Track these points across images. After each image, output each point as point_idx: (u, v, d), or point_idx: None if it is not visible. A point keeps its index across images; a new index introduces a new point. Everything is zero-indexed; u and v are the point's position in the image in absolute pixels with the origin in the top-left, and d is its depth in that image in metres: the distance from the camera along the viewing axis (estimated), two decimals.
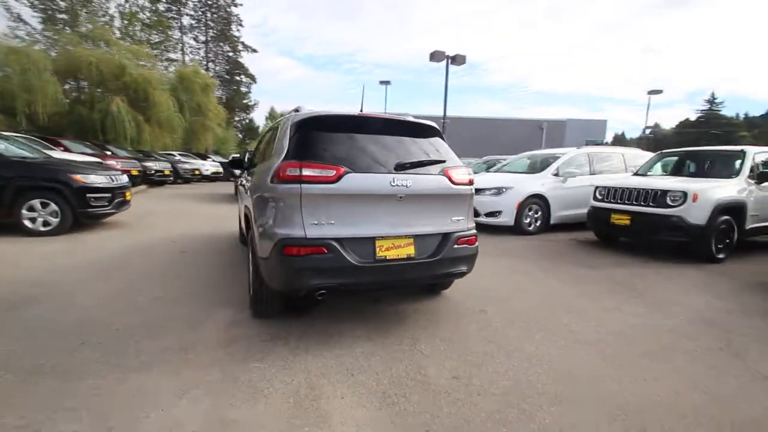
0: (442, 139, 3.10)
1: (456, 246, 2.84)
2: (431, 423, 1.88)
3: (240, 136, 44.97)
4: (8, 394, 2.00)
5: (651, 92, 32.22)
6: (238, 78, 40.67)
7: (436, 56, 18.72)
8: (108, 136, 16.59)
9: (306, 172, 2.43)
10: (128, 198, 6.78)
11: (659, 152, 7.30)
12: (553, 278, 4.39)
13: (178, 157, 18.66)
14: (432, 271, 2.80)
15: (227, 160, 22.69)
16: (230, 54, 39.67)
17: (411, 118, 3.02)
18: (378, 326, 2.96)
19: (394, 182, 2.60)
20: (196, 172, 18.42)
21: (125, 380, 2.15)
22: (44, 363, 2.29)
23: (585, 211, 6.95)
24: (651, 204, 5.52)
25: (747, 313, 3.42)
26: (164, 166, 15.17)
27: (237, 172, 5.58)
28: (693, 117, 76.63)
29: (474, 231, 3.01)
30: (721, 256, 5.31)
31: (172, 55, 30.92)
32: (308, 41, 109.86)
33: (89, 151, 11.84)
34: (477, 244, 3.01)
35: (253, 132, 47.78)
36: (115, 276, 3.97)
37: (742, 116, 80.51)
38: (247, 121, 48.15)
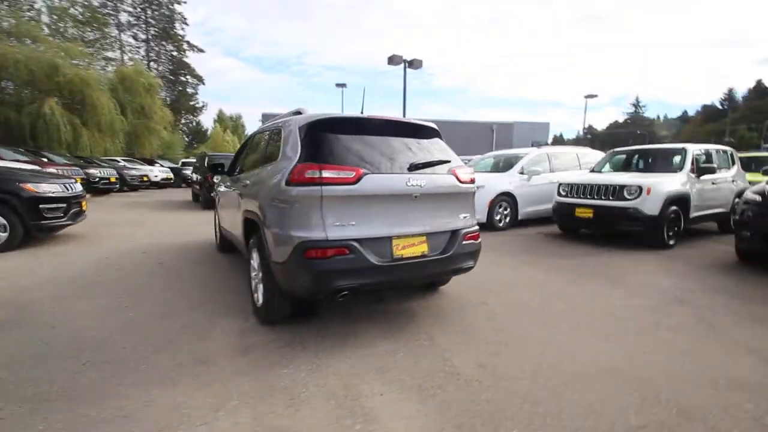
0: (441, 139, 3.22)
1: (464, 242, 2.96)
2: (475, 410, 1.97)
3: (187, 139, 42.62)
4: (20, 429, 1.81)
5: (587, 96, 34.89)
6: (183, 79, 38.52)
7: (394, 60, 19.01)
8: (39, 142, 15.07)
9: (326, 173, 2.43)
10: (84, 208, 6.24)
11: (611, 151, 7.98)
12: (537, 269, 4.67)
13: (122, 163, 17.34)
14: (444, 268, 2.90)
15: (177, 165, 21.58)
16: (174, 53, 37.50)
17: (415, 120, 3.10)
18: (389, 325, 3.00)
19: (409, 182, 2.67)
20: (145, 179, 17.22)
21: (151, 398, 2.02)
22: (48, 389, 2.09)
23: (548, 206, 7.46)
24: (611, 198, 6.05)
25: (708, 291, 3.88)
26: (109, 173, 14.03)
27: (217, 178, 5.34)
28: (621, 119, 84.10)
29: (477, 227, 3.15)
30: (671, 242, 5.93)
31: (110, 54, 28.68)
32: (254, 42, 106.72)
33: (23, 158, 10.69)
34: (480, 239, 3.16)
35: (201, 135, 45.48)
36: (96, 292, 3.67)
37: (662, 118, 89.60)
38: (194, 123, 45.79)
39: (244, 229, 3.29)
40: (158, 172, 18.58)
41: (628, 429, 1.84)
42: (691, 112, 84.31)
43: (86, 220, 6.72)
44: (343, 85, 30.88)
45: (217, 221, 5.42)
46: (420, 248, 2.75)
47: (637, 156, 7.66)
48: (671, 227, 5.94)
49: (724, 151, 7.33)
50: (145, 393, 2.07)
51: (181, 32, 37.50)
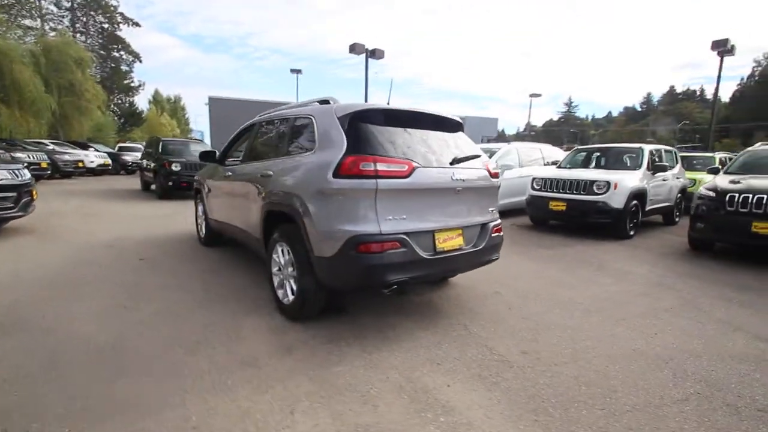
0: (464, 132, 3.28)
1: (492, 235, 3.06)
2: (540, 394, 2.07)
3: (119, 122, 38.74)
4: None
5: (532, 95, 37.00)
6: (117, 54, 34.81)
7: (356, 49, 18.78)
8: None
9: (381, 167, 2.38)
10: (35, 197, 5.49)
11: (575, 148, 8.58)
12: (526, 259, 4.94)
13: (51, 147, 15.40)
14: (476, 260, 2.97)
15: (113, 150, 19.84)
16: (105, 25, 33.68)
17: (446, 114, 3.12)
18: (420, 317, 3.03)
19: (454, 176, 2.69)
20: (80, 165, 15.45)
21: (212, 406, 1.88)
22: (85, 404, 1.86)
23: (519, 199, 7.88)
24: (582, 192, 6.53)
25: (680, 276, 4.36)
26: (40, 158, 12.42)
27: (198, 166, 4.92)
28: (555, 117, 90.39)
29: (500, 220, 3.27)
30: (631, 233, 6.55)
31: (28, 23, 25.06)
32: (192, 18, 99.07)
33: None
34: (502, 232, 3.28)
35: (135, 118, 41.54)
36: (84, 292, 3.28)
37: (590, 117, 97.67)
38: (127, 105, 41.71)
39: (263, 222, 3.11)
40: (94, 157, 16.73)
41: (675, 401, 2.05)
42: (615, 113, 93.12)
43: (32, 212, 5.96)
44: (298, 71, 30.04)
45: (202, 213, 5.05)
46: (457, 241, 2.80)
47: (598, 154, 8.32)
48: (632, 219, 6.56)
49: (669, 151, 8.20)
50: (202, 401, 1.91)
51: (114, 2, 33.82)
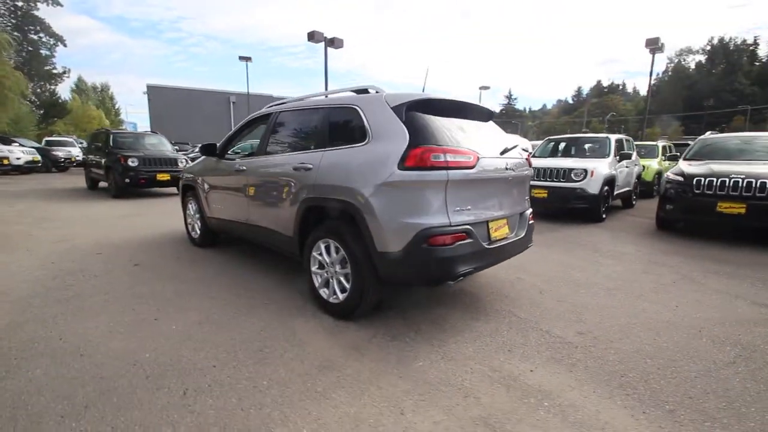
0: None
1: (529, 222, 3.16)
2: (617, 370, 2.19)
3: (39, 113, 34.45)
4: None
5: (482, 87, 38.29)
6: (34, 37, 30.67)
7: (315, 36, 18.24)
8: None
9: (450, 157, 2.34)
10: None
11: (547, 138, 9.05)
12: None
13: None
14: (519, 248, 3.05)
15: (41, 145, 18.09)
16: (19, 3, 29.45)
17: (480, 104, 3.14)
18: (465, 307, 3.06)
19: (507, 166, 2.73)
20: (5, 162, 13.58)
21: (316, 416, 1.77)
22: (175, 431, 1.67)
23: None
24: (561, 180, 6.94)
25: (665, 253, 4.81)
26: None
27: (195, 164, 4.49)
28: (497, 108, 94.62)
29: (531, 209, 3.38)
30: (604, 216, 7.10)
31: None
32: None
33: None
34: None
35: (58, 108, 37.20)
36: (90, 306, 2.93)
37: (528, 110, 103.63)
38: (48, 94, 37.20)
39: (300, 219, 2.94)
40: (20, 153, 14.78)
41: (726, 364, 2.28)
42: (549, 106, 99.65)
43: None
44: (247, 59, 28.56)
45: (195, 212, 4.67)
46: (504, 230, 2.86)
47: (567, 143, 8.85)
48: (604, 204, 7.10)
49: (628, 140, 8.94)
50: (304, 412, 1.80)
51: None
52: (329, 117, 2.94)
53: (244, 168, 3.60)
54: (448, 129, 2.55)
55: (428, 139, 2.40)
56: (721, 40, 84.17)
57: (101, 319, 2.72)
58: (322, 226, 2.82)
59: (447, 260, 2.35)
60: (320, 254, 2.86)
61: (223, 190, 4.02)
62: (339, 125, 2.87)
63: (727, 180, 5.29)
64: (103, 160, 9.59)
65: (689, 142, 15.42)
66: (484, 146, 2.70)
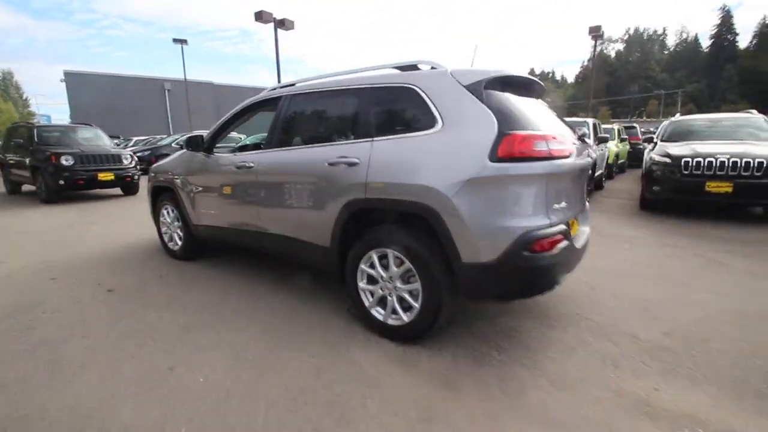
0: None
1: (588, 216, 2.89)
2: (733, 375, 1.99)
3: None
4: None
5: None
6: None
7: (262, 17, 16.94)
8: None
9: (553, 145, 1.96)
10: None
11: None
12: None
13: None
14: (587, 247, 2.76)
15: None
16: None
17: None
18: (527, 314, 2.74)
19: (588, 155, 2.40)
20: None
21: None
22: None
23: None
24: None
25: (672, 235, 4.86)
26: None
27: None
28: None
29: None
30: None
31: None
32: None
33: None
34: None
35: None
36: (73, 359, 2.20)
37: None
38: None
39: (342, 226, 2.42)
40: None
41: None
42: None
43: None
44: (183, 41, 26.17)
45: (175, 219, 3.89)
46: (576, 227, 2.55)
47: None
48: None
49: (599, 123, 9.19)
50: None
51: None
52: (374, 99, 2.40)
53: (252, 165, 2.95)
54: (530, 111, 2.16)
55: (521, 123, 1.99)
56: (636, 29, 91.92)
57: (91, 376, 2.03)
58: (374, 233, 2.32)
59: (549, 267, 1.99)
60: (371, 267, 2.37)
61: (219, 192, 3.32)
62: (390, 109, 2.36)
63: (714, 160, 5.47)
64: (27, 160, 8.05)
65: (634, 125, 16.54)
66: (562, 130, 2.35)
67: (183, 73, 27.57)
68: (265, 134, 3.20)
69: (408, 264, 2.18)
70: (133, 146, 16.88)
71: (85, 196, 8.80)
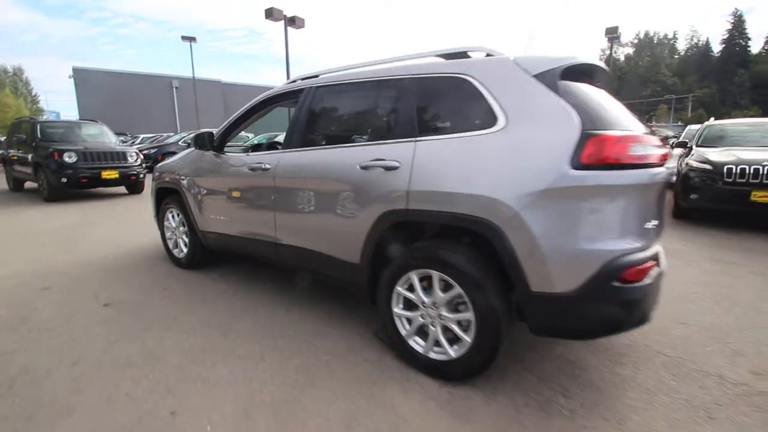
0: None
1: None
2: None
3: None
4: None
5: None
6: None
7: (273, 14, 16.65)
8: None
9: (649, 150, 1.59)
10: None
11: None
12: None
13: None
14: None
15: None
16: None
17: None
18: (589, 347, 2.37)
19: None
20: None
21: None
22: None
23: None
24: None
25: (715, 247, 4.45)
26: None
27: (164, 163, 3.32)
28: None
29: None
30: None
31: None
32: None
33: None
34: None
35: None
36: (51, 391, 1.84)
37: None
38: None
39: (375, 240, 2.06)
40: None
41: None
42: None
43: None
44: (191, 39, 25.97)
45: (180, 224, 3.55)
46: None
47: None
48: None
49: None
50: None
51: None
52: (417, 92, 2.03)
53: (269, 166, 2.59)
54: (612, 107, 1.79)
55: (607, 121, 1.62)
56: (647, 33, 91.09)
57: (78, 422, 1.67)
58: (415, 250, 1.95)
59: (642, 300, 1.61)
60: (410, 290, 2.01)
61: (230, 196, 2.97)
62: (438, 104, 1.99)
63: (761, 168, 5.05)
64: (29, 156, 7.78)
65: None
66: (647, 131, 1.97)
67: (192, 70, 27.41)
68: (275, 133, 2.84)
69: (458, 289, 1.81)
70: (140, 143, 16.64)
71: (88, 194, 8.51)
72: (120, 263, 3.82)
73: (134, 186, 8.47)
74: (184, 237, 3.57)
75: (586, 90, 1.74)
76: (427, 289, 1.96)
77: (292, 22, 17.17)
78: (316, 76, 2.66)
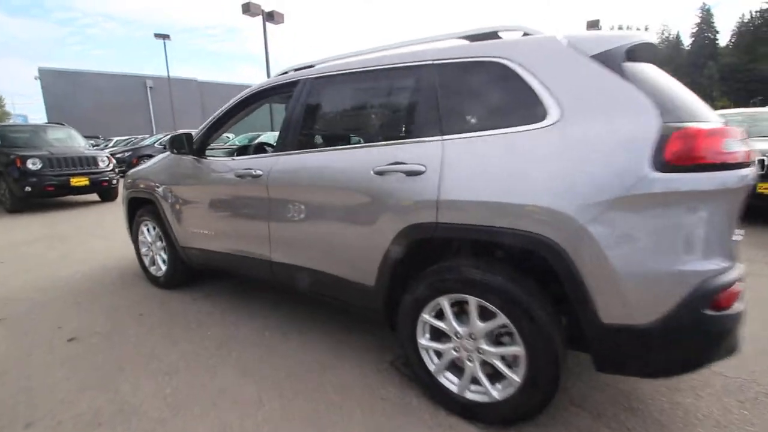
0: None
1: None
2: None
3: None
4: None
5: None
6: None
7: (250, 9, 16.10)
8: None
9: (741, 146, 1.30)
10: None
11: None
12: None
13: None
14: None
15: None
16: None
17: None
18: None
19: None
20: None
21: None
22: None
23: None
24: None
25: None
26: None
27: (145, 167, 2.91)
28: None
29: None
30: None
31: None
32: None
33: None
34: None
35: None
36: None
37: None
38: None
39: (394, 259, 1.72)
40: None
41: None
42: None
43: None
44: (165, 37, 25.08)
45: (157, 238, 3.13)
46: None
47: None
48: None
49: None
50: None
51: None
52: (442, 81, 1.68)
53: (260, 173, 2.22)
54: (690, 94, 1.49)
55: (690, 111, 1.32)
56: (620, 27, 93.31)
57: None
58: (446, 271, 1.62)
59: (734, 328, 1.32)
60: (439, 317, 1.68)
61: (214, 207, 2.58)
62: (470, 95, 1.65)
63: (765, 159, 4.92)
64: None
65: None
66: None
67: (166, 70, 26.36)
68: (258, 133, 2.46)
69: (502, 318, 1.49)
70: (113, 147, 15.81)
71: (57, 204, 7.88)
72: (90, 283, 3.37)
73: (107, 193, 7.89)
74: (162, 253, 3.16)
75: (656, 73, 1.44)
76: (460, 315, 1.64)
77: (271, 17, 16.59)
78: (311, 66, 2.29)
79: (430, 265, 1.69)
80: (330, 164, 1.95)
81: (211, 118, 2.70)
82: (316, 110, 2.18)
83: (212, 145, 3.05)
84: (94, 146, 10.13)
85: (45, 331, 2.54)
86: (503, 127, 1.50)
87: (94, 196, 8.10)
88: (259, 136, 12.21)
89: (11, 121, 33.56)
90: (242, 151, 3.16)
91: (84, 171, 7.30)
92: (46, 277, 3.53)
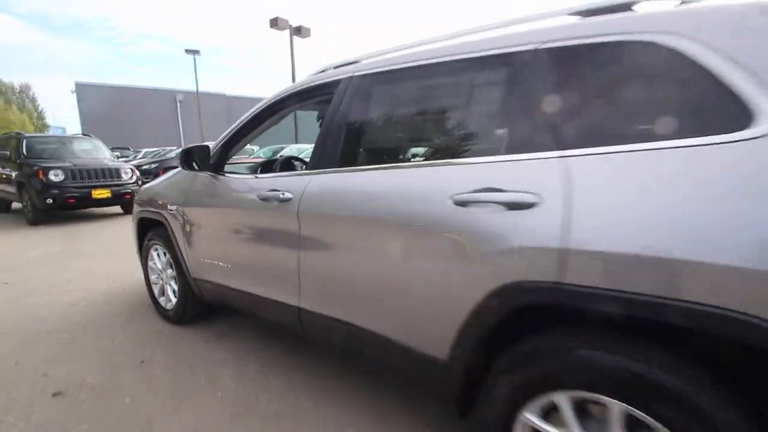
0: None
1: None
2: None
3: None
4: None
5: None
6: None
7: (278, 23, 16.11)
8: None
9: None
10: None
11: None
12: None
13: None
14: None
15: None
16: None
17: None
18: None
19: None
20: None
21: None
22: None
23: None
24: None
25: None
26: None
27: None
28: None
29: None
30: None
31: None
32: None
33: None
34: None
35: None
36: None
37: None
38: None
39: (484, 329, 1.18)
40: None
41: None
42: None
43: None
44: (195, 52, 25.67)
45: (168, 266, 2.70)
46: None
47: None
48: None
49: None
50: None
51: None
52: (559, 74, 1.15)
53: (289, 195, 1.74)
54: None
55: None
56: None
57: None
58: (574, 354, 1.07)
59: None
60: (547, 418, 1.13)
61: (231, 235, 2.12)
62: (608, 90, 1.10)
63: None
64: (13, 174, 7.02)
65: None
66: None
67: (195, 84, 26.96)
68: (282, 145, 1.99)
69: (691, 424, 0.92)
70: (141, 158, 15.99)
71: (79, 215, 7.73)
72: (91, 315, 2.96)
73: (129, 205, 7.68)
74: (172, 283, 2.72)
75: None
76: (582, 415, 1.08)
77: (298, 31, 16.63)
78: (356, 62, 1.82)
79: (531, 339, 1.14)
80: (385, 188, 1.44)
81: (231, 127, 2.26)
82: (365, 116, 1.68)
83: (233, 158, 2.62)
84: (119, 158, 10.09)
85: (27, 381, 2.11)
86: (669, 138, 0.96)
87: (118, 208, 7.93)
88: (283, 148, 11.95)
89: (50, 133, 35.08)
90: (267, 167, 2.72)
91: (106, 183, 7.13)
92: (47, 305, 3.15)
